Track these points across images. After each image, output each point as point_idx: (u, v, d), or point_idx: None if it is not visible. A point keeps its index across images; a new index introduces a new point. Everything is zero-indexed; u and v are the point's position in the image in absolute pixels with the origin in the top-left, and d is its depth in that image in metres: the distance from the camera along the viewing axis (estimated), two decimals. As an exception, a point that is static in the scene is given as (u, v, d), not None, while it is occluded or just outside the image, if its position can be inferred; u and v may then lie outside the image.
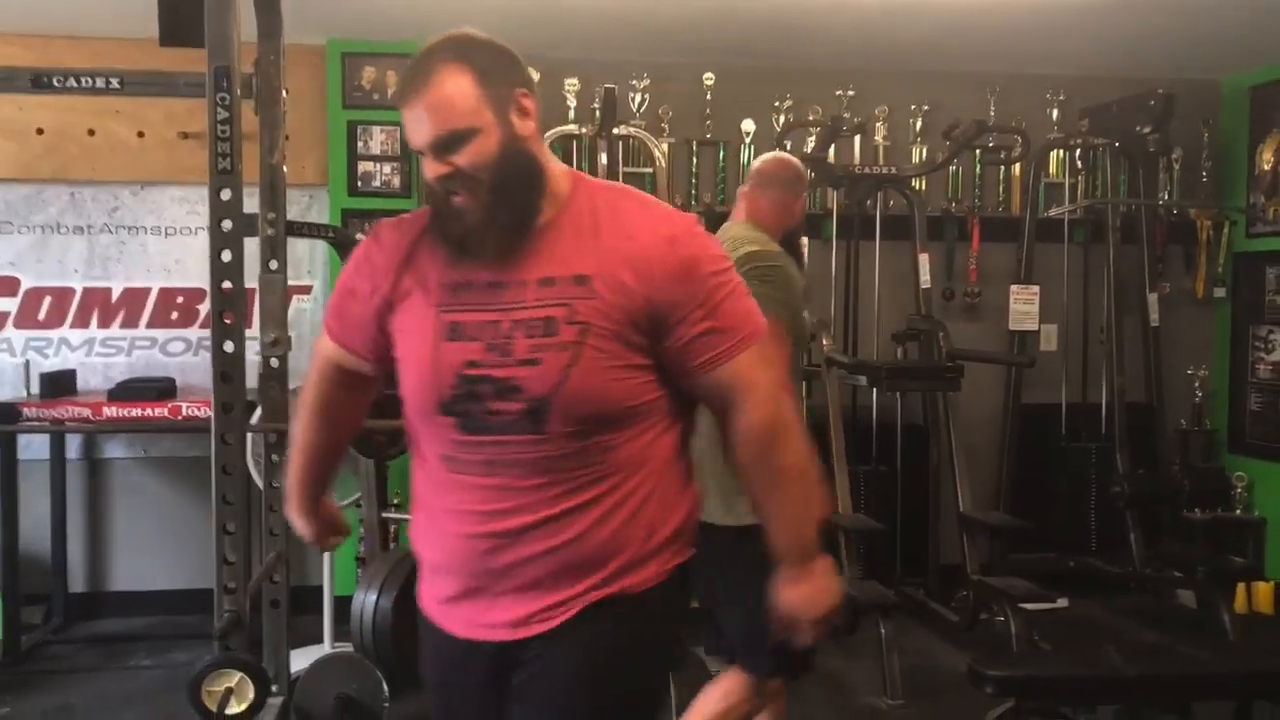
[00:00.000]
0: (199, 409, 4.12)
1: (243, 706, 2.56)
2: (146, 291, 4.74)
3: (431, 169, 1.53)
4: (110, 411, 4.12)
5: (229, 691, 2.56)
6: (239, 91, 2.58)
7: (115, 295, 4.73)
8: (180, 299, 4.76)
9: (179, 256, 4.76)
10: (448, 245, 1.57)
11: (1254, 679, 2.92)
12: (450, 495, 1.60)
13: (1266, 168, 5.20)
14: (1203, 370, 5.36)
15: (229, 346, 2.59)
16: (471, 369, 1.54)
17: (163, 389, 4.33)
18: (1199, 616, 4.68)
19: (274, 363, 3.13)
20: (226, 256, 2.57)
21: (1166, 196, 5.34)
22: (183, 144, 4.64)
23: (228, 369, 2.58)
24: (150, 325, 4.75)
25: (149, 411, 4.13)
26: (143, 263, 4.75)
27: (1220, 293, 5.41)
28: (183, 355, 4.75)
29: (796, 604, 1.70)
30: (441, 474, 1.61)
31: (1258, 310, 5.24)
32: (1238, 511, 5.15)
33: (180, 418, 4.13)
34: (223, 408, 2.58)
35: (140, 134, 4.66)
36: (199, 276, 4.75)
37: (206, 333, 4.68)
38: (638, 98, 4.94)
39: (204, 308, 4.76)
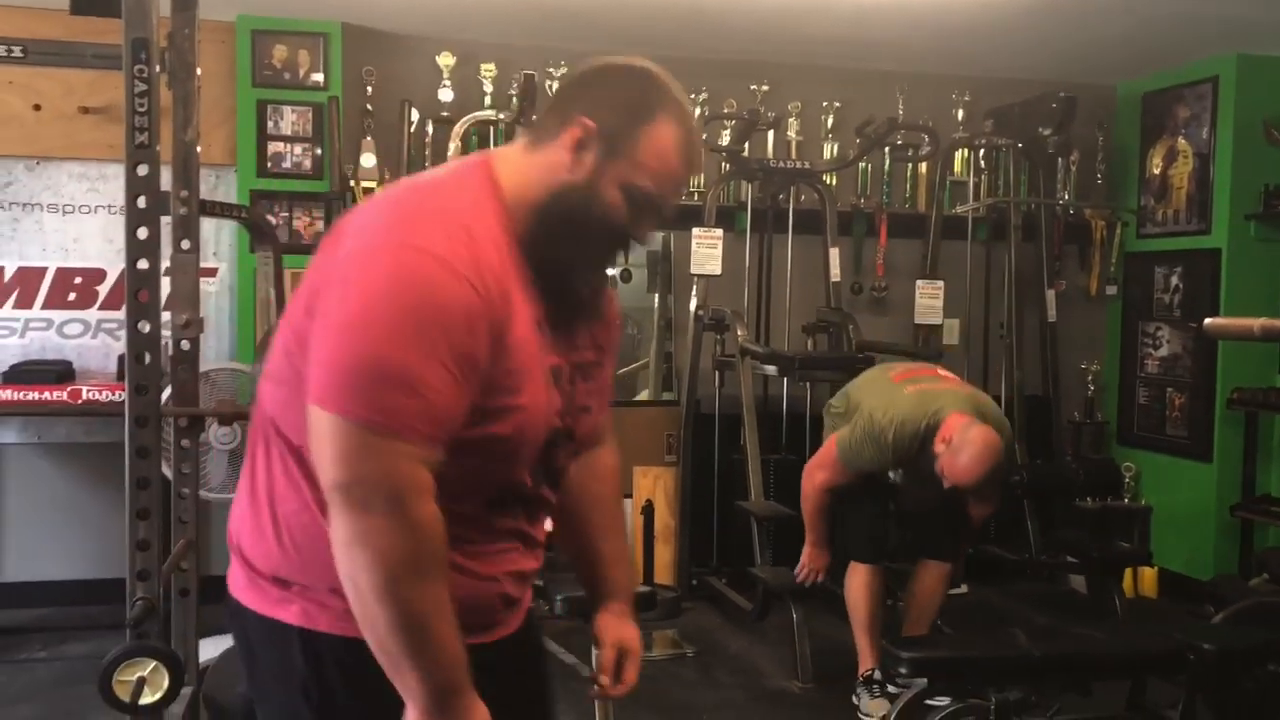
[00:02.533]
0: (100, 393, 3.99)
1: (157, 696, 2.49)
2: (42, 271, 4.56)
3: (644, 231, 1.44)
4: (5, 395, 3.97)
5: (142, 681, 2.49)
6: (157, 65, 2.51)
7: (8, 275, 4.54)
8: (78, 279, 4.59)
9: (77, 235, 4.60)
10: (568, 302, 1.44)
11: (1148, 656, 3.06)
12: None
13: (1156, 171, 5.43)
14: (1095, 365, 5.58)
15: (144, 326, 2.51)
16: (560, 419, 1.45)
17: (61, 372, 4.18)
18: (1089, 601, 4.88)
19: (185, 345, 3.04)
20: (143, 234, 2.50)
21: (1065, 197, 5.53)
22: (83, 118, 4.48)
23: (143, 349, 2.50)
24: (46, 306, 4.57)
25: (47, 395, 3.99)
26: (38, 241, 4.57)
27: (1112, 290, 5.63)
28: (81, 338, 4.58)
29: (635, 641, 1.69)
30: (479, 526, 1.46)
31: (1147, 308, 5.48)
32: (1126, 500, 5.39)
33: (80, 402, 4.00)
34: (137, 389, 2.51)
35: (36, 107, 4.48)
36: (98, 256, 4.60)
37: (106, 315, 4.59)
38: (554, 85, 4.93)
39: (103, 289, 4.61)
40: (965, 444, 3.34)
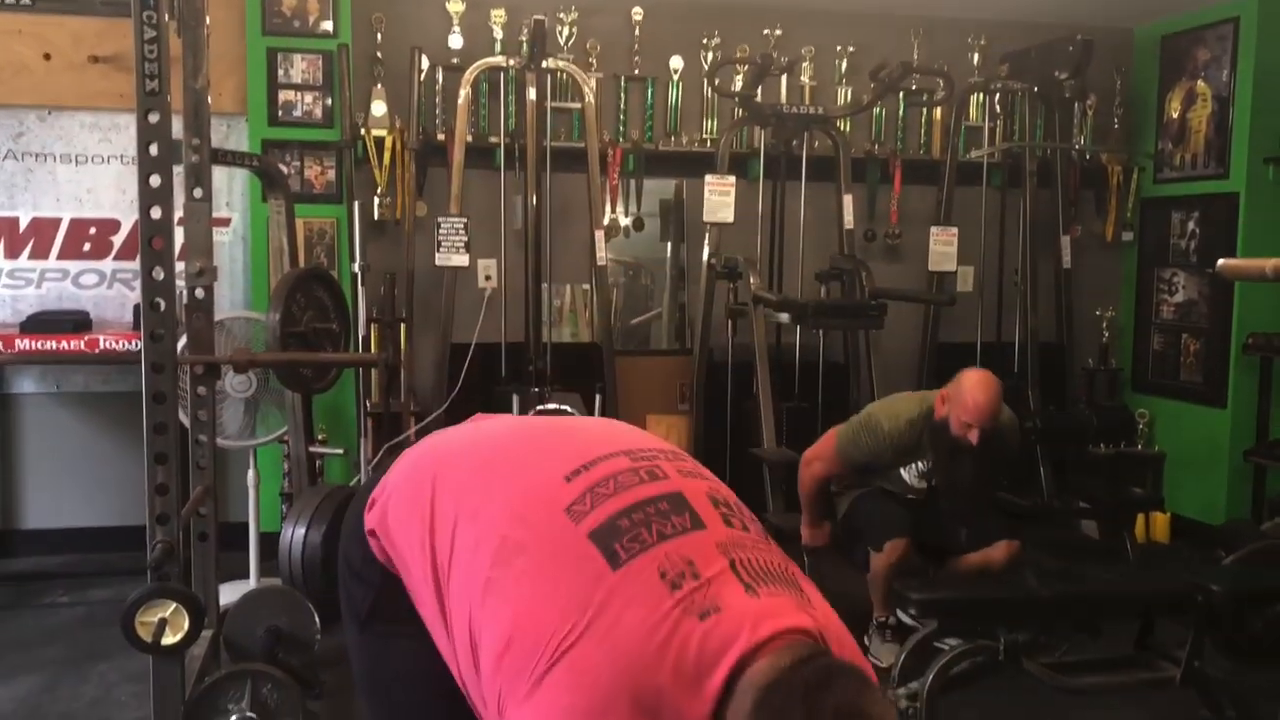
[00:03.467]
0: (117, 342, 4.02)
1: (178, 637, 2.53)
2: (56, 222, 4.58)
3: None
4: (23, 345, 4.00)
5: (163, 622, 2.53)
6: (165, 12, 2.50)
7: (23, 225, 4.55)
8: (93, 230, 4.60)
9: (90, 186, 4.60)
10: None
11: (1157, 597, 3.09)
12: None
13: (1175, 115, 5.37)
14: (1110, 311, 5.56)
15: (158, 273, 2.52)
16: None
17: (78, 321, 4.21)
18: (1102, 546, 4.90)
19: (199, 293, 3.07)
20: (155, 181, 2.50)
21: (1081, 142, 5.48)
22: (93, 68, 4.47)
23: (157, 296, 2.52)
24: (61, 257, 4.58)
25: (64, 345, 4.02)
26: (52, 191, 4.58)
27: (1128, 236, 5.60)
28: (96, 288, 4.61)
29: None
30: None
31: (1163, 253, 5.44)
32: (1139, 447, 5.39)
33: (98, 351, 4.03)
34: (152, 336, 2.53)
35: (46, 56, 4.47)
36: (112, 207, 4.61)
37: (121, 265, 4.61)
38: (565, 30, 4.89)
39: (118, 239, 4.63)
40: (960, 387, 3.48)
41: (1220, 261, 2.19)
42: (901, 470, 3.71)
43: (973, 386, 3.48)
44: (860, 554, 3.69)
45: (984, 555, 3.59)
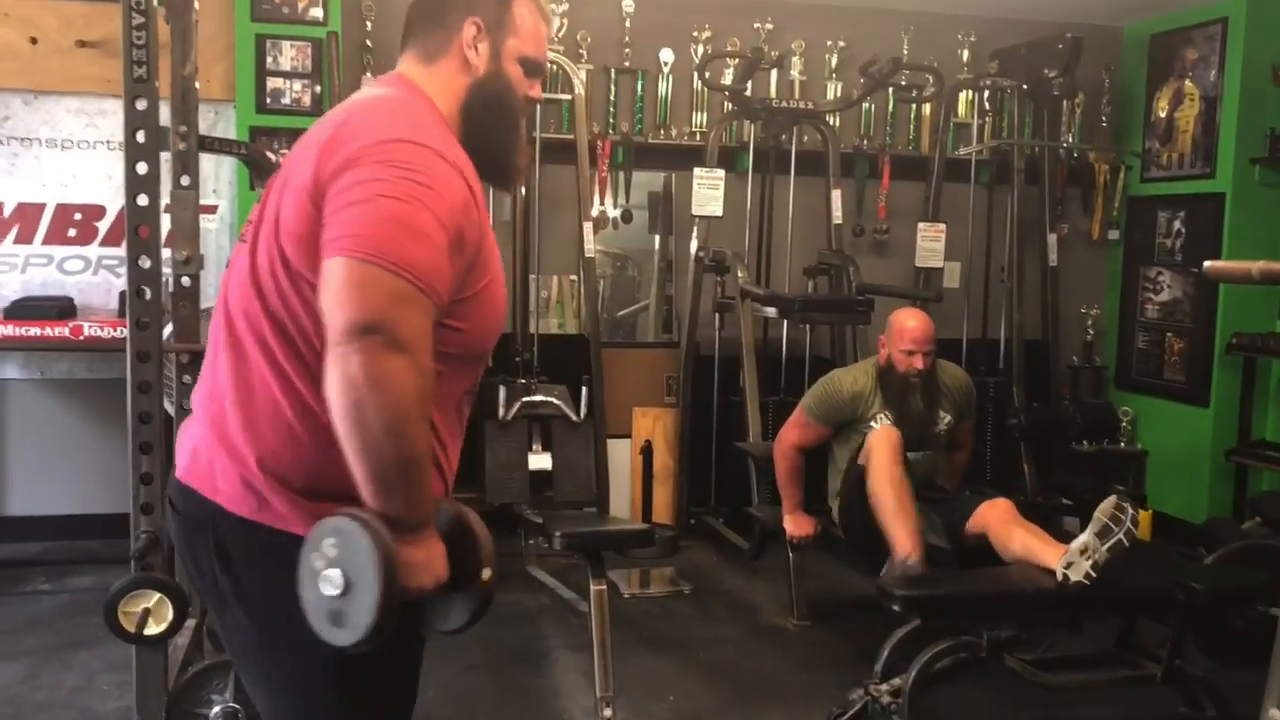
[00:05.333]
0: (102, 329, 3.99)
1: (161, 627, 2.53)
2: (41, 207, 4.54)
3: (538, 91, 1.70)
4: (6, 331, 3.97)
5: (146, 612, 2.53)
6: (154, -4, 2.48)
7: (7, 210, 4.51)
8: (78, 215, 4.56)
9: (75, 171, 4.56)
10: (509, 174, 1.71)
11: (1138, 596, 3.10)
12: (458, 434, 1.64)
13: (1162, 114, 5.39)
14: (1095, 309, 5.59)
15: (145, 262, 2.51)
16: None
17: (63, 308, 4.18)
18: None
19: (185, 281, 3.06)
20: (142, 169, 2.49)
21: (1069, 140, 5.49)
22: (80, 52, 4.42)
23: (144, 284, 2.51)
24: (46, 242, 4.55)
25: (49, 331, 3.99)
26: (36, 176, 4.54)
27: (1114, 235, 5.62)
28: (81, 274, 4.57)
29: None
30: (454, 414, 1.61)
31: (1148, 252, 5.47)
32: (1122, 445, 5.42)
33: (82, 338, 4.00)
34: (138, 324, 2.52)
35: (33, 40, 4.43)
36: (97, 192, 4.58)
37: (106, 251, 4.58)
38: (555, 21, 4.87)
39: (103, 225, 4.59)
40: (892, 324, 3.84)
41: (1206, 264, 2.20)
42: (872, 423, 3.76)
43: (901, 317, 3.84)
44: (865, 534, 3.59)
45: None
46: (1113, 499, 2.94)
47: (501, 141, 1.63)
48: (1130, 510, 2.91)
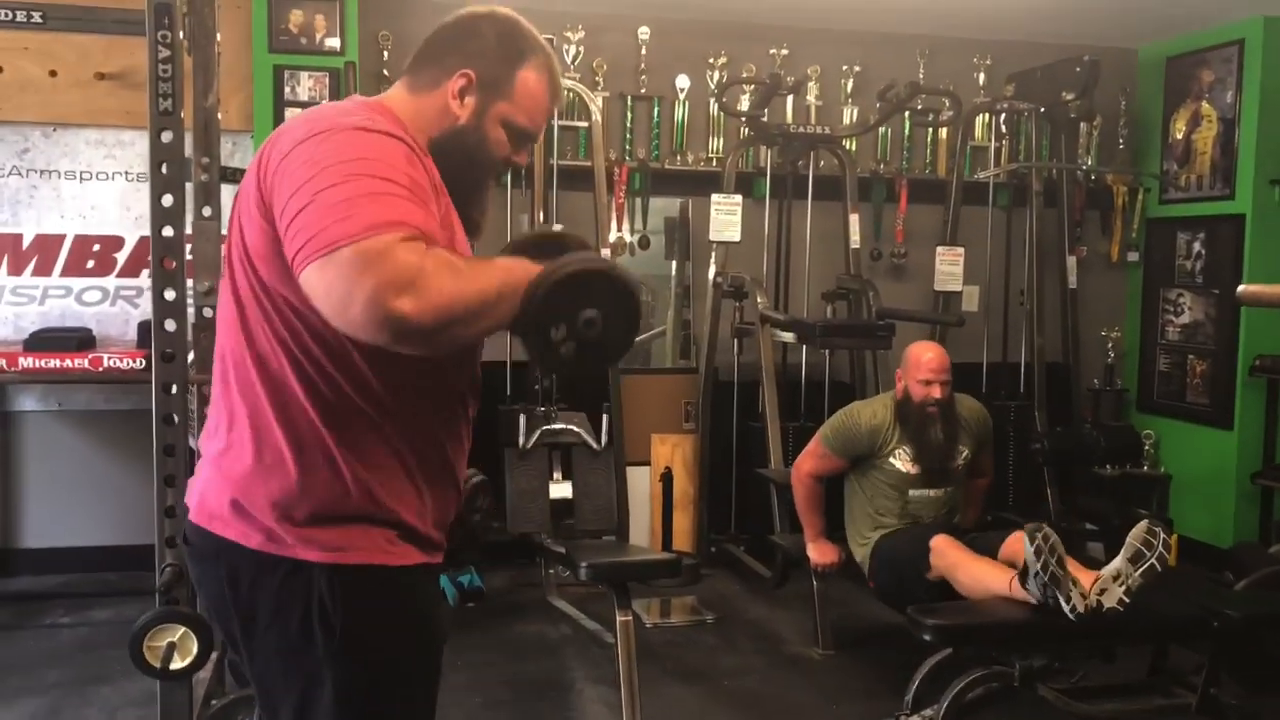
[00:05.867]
0: (121, 360, 3.99)
1: (186, 661, 2.52)
2: (60, 238, 4.55)
3: (522, 158, 1.66)
4: (26, 362, 3.96)
5: (171, 646, 2.51)
6: (180, 30, 2.49)
7: (26, 242, 4.53)
8: (96, 246, 4.57)
9: (95, 202, 4.58)
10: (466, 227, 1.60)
11: (1172, 623, 3.06)
12: (464, 445, 1.61)
13: (1180, 136, 5.37)
14: (1115, 332, 5.55)
15: (170, 294, 2.51)
16: None
17: (82, 339, 4.18)
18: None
19: (207, 312, 3.05)
20: (168, 201, 2.49)
21: (1087, 163, 5.48)
22: (99, 84, 4.45)
23: (169, 316, 2.50)
24: (65, 274, 4.56)
25: (68, 363, 3.98)
26: (56, 208, 4.55)
27: (1134, 257, 5.59)
28: (99, 305, 4.58)
29: None
30: (452, 419, 1.59)
31: (1168, 274, 5.44)
32: (1146, 468, 5.37)
33: (101, 369, 4.00)
34: (163, 356, 2.51)
35: (53, 73, 4.45)
36: (116, 224, 4.59)
37: (124, 282, 4.59)
38: (572, 49, 4.89)
39: (121, 256, 4.60)
40: (907, 357, 3.84)
41: (1240, 288, 2.18)
42: (891, 459, 3.74)
43: (917, 349, 3.85)
44: (899, 586, 3.55)
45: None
46: (1145, 524, 2.90)
47: (461, 193, 1.57)
48: (1162, 535, 2.87)
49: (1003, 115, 5.33)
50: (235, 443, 1.49)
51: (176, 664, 2.50)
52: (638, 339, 1.55)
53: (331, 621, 1.45)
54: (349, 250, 1.26)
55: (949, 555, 3.31)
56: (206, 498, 1.53)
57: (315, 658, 1.46)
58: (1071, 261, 5.31)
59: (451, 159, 1.55)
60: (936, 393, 3.72)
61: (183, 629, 2.51)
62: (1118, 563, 2.90)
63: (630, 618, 3.09)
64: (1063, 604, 2.83)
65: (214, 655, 2.92)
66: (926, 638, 2.87)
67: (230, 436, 1.50)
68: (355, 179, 1.33)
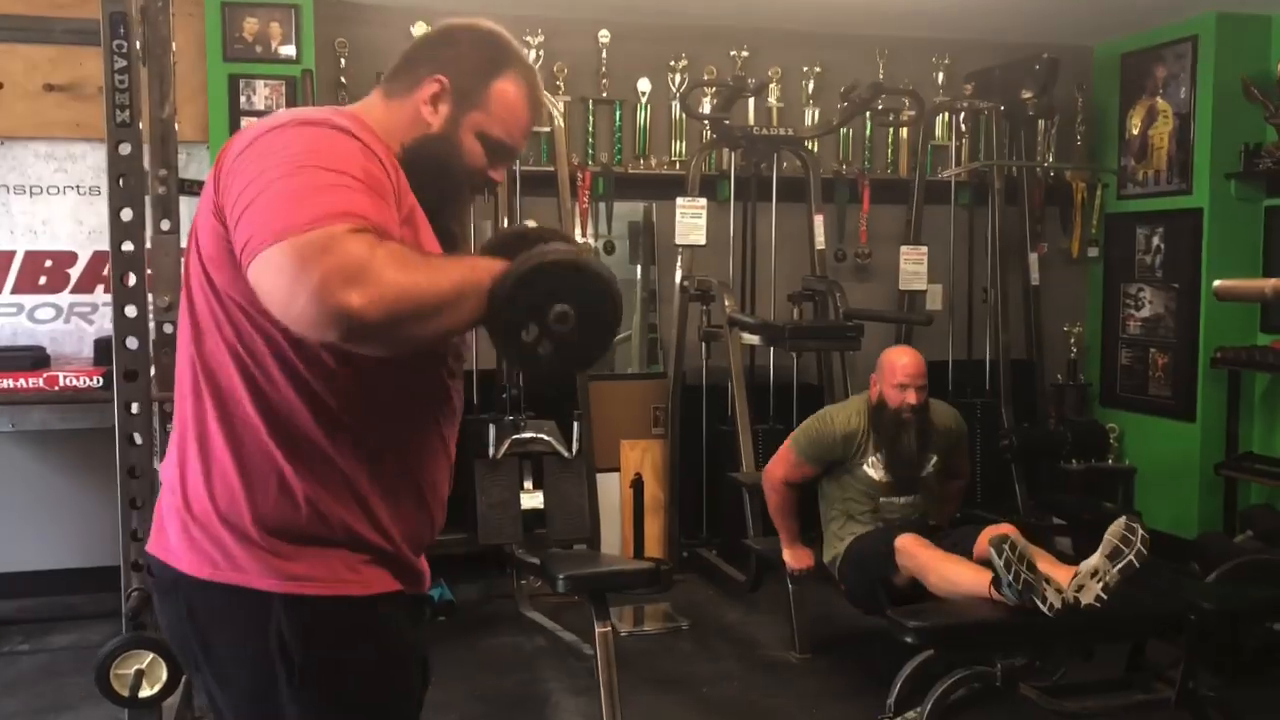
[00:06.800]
0: (78, 378, 3.89)
1: (155, 689, 2.45)
2: (10, 255, 4.43)
3: (500, 174, 1.60)
4: (-22, 383, 3.85)
5: (140, 674, 2.44)
6: (136, 40, 2.42)
7: (-25, 259, 4.41)
8: (48, 263, 4.46)
9: (45, 217, 4.46)
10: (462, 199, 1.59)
11: (1150, 620, 3.07)
12: (439, 458, 1.54)
13: (1136, 132, 5.42)
14: (1078, 327, 5.59)
15: (131, 311, 2.44)
16: None
17: (35, 358, 4.08)
18: (1076, 563, 4.89)
19: (168, 328, 2.98)
20: (127, 215, 2.42)
21: (1046, 160, 5.51)
22: (48, 96, 4.33)
23: (131, 334, 2.43)
24: (16, 291, 4.44)
25: (22, 382, 3.88)
26: (5, 224, 4.43)
27: (1094, 252, 5.64)
28: (53, 323, 4.46)
29: None
30: (431, 437, 1.53)
31: (1128, 269, 5.49)
32: (1110, 462, 5.41)
33: (57, 388, 3.90)
34: (125, 374, 2.44)
35: (-1, 85, 4.34)
36: (68, 239, 4.48)
37: (78, 298, 4.49)
38: (532, 53, 4.84)
39: (74, 272, 4.49)
40: (882, 362, 3.80)
41: (1216, 283, 2.18)
42: (864, 466, 3.72)
43: (892, 354, 3.82)
44: (867, 588, 3.55)
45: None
46: (1123, 520, 2.91)
47: (435, 203, 1.50)
48: (1140, 531, 2.88)
49: (963, 114, 5.35)
50: (186, 462, 1.44)
51: (145, 691, 2.44)
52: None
53: (292, 657, 1.39)
54: (295, 241, 1.21)
55: (918, 556, 3.30)
56: (163, 524, 1.48)
57: (278, 696, 1.40)
58: (1033, 258, 5.35)
59: (423, 167, 1.48)
60: (912, 398, 3.68)
61: (151, 655, 2.44)
62: (1096, 559, 2.91)
63: (609, 629, 3.05)
64: (1039, 605, 2.84)
65: (183, 678, 2.86)
66: (908, 639, 2.86)
67: (181, 456, 1.45)
68: (304, 170, 1.28)
